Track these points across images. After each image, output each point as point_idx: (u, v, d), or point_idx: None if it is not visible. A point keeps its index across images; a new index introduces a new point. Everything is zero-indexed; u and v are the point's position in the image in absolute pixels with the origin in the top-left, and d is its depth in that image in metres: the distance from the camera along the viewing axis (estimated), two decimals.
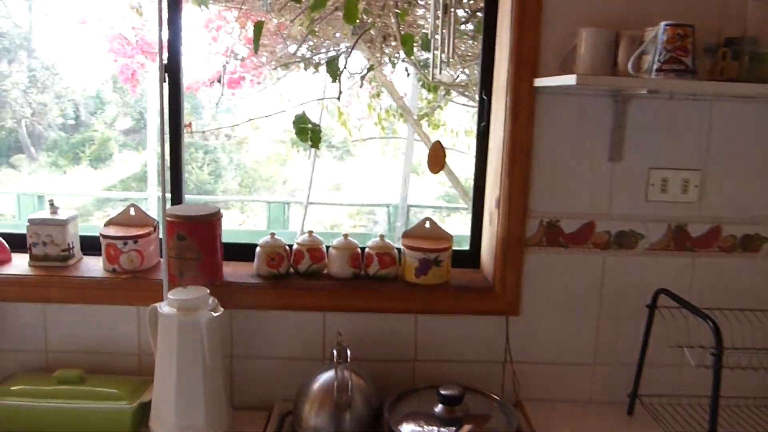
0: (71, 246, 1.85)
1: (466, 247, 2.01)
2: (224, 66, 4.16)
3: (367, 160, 17.56)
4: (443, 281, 1.81)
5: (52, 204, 1.85)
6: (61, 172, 17.73)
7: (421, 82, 3.99)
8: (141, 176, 17.20)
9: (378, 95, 5.09)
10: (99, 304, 1.79)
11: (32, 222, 1.81)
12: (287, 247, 1.85)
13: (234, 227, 9.62)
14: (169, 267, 1.72)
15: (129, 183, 16.88)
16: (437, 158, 1.78)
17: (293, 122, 2.15)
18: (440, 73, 1.82)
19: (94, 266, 1.85)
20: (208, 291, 1.64)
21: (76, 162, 17.98)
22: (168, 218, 1.70)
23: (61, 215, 1.84)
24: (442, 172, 1.98)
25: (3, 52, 19.49)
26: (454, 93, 4.43)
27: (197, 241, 1.70)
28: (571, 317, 1.81)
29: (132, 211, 1.90)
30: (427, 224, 1.89)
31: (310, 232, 1.88)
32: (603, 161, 1.73)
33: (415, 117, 4.55)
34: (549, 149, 1.72)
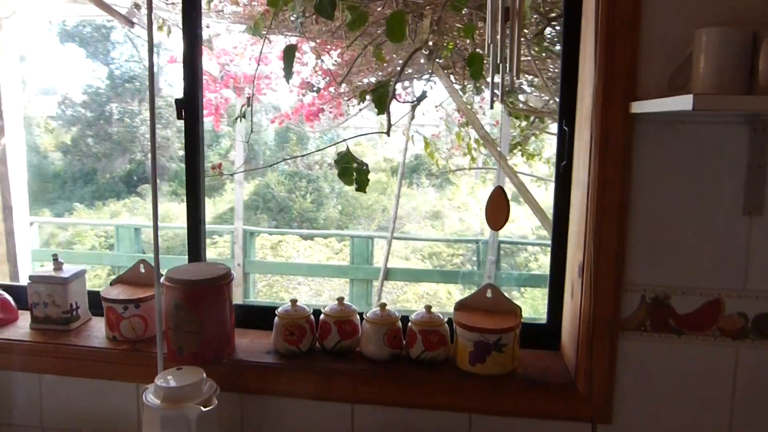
0: (74, 307, 1.56)
1: (544, 315, 1.54)
2: (301, 98, 3.91)
3: (467, 189, 17.04)
4: (507, 370, 1.35)
5: (56, 259, 1.58)
6: (179, 200, 18.61)
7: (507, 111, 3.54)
8: (250, 204, 17.70)
9: (467, 124, 4.66)
10: (96, 378, 1.48)
11: (33, 279, 1.55)
12: (311, 318, 1.46)
13: (318, 260, 9.47)
14: (167, 341, 1.39)
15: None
16: (497, 210, 1.34)
17: (335, 161, 1.78)
18: (501, 98, 1.37)
19: (100, 331, 1.55)
20: (204, 375, 1.28)
21: None
22: (165, 282, 1.36)
23: (65, 272, 1.56)
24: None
25: (135, 93, 20.95)
26: (549, 120, 3.93)
27: (198, 310, 1.36)
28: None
29: (142, 269, 1.59)
30: (489, 293, 1.44)
31: (341, 300, 1.48)
32: (734, 214, 1.21)
33: (503, 146, 4.07)
34: (653, 198, 1.23)
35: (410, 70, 4.41)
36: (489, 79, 1.40)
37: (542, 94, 3.54)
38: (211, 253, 11.25)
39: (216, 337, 1.39)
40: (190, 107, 1.59)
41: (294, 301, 1.47)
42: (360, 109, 4.75)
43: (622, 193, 1.22)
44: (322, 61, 3.86)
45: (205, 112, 4.78)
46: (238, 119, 1.67)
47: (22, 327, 1.57)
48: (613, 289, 1.24)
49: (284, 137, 18.65)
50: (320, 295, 9.56)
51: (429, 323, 1.39)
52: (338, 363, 1.41)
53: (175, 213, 17.71)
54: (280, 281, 9.43)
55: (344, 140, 1.79)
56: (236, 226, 5.45)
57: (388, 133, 1.79)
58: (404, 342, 1.43)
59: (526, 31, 3.03)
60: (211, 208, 16.00)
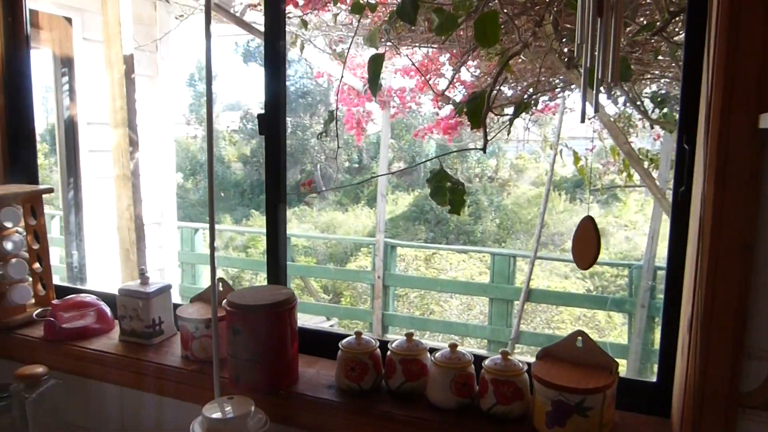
0: (157, 322, 1.59)
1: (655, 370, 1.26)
2: (437, 111, 3.80)
3: (635, 206, 15.76)
4: None
5: (142, 273, 1.61)
6: (343, 210, 19.45)
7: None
8: (408, 215, 17.94)
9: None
10: (166, 396, 1.48)
11: (121, 293, 1.60)
12: (377, 353, 1.32)
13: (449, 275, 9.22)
14: (228, 367, 1.34)
15: (397, 221, 17.74)
16: (585, 246, 1.10)
17: (427, 180, 1.64)
18: (596, 109, 1.14)
19: (180, 348, 1.56)
20: (252, 408, 1.21)
21: (356, 201, 19.56)
22: (225, 306, 1.32)
23: (150, 287, 1.59)
24: None
25: (307, 107, 22.33)
26: None
27: (255, 338, 1.29)
28: None
29: (220, 287, 1.57)
30: (579, 342, 1.20)
31: (410, 336, 1.33)
32: None
33: (663, 163, 3.60)
34: None
35: (556, 80, 4.10)
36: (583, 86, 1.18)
37: None
38: (352, 266, 11.54)
39: (274, 366, 1.32)
40: (271, 122, 1.55)
41: (359, 334, 1.34)
42: (505, 124, 4.51)
43: (745, 232, 0.93)
44: (459, 72, 3.72)
45: (346, 126, 4.86)
46: (322, 135, 1.59)
47: (113, 338, 1.62)
48: (730, 355, 0.95)
49: (445, 150, 18.69)
50: (471, 309, 9.35)
51: (503, 372, 1.19)
52: (400, 408, 1.26)
53: (339, 221, 18.53)
54: (432, 293, 9.37)
55: (437, 156, 1.64)
56: (377, 238, 5.47)
57: (484, 150, 1.60)
58: (476, 390, 1.25)
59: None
60: (370, 219, 16.49)
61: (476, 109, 1.53)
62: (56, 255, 3.73)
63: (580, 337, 1.20)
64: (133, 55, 2.75)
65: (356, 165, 21.73)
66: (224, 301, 1.32)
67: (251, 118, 21.70)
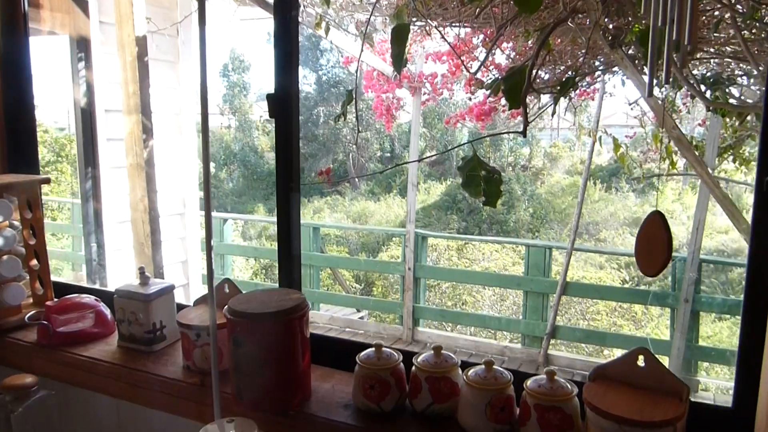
0: (158, 327, 1.42)
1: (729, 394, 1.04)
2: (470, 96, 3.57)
3: (672, 195, 15.22)
4: None
5: (142, 272, 1.45)
6: (375, 199, 19.29)
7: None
8: (440, 205, 17.68)
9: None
10: (164, 412, 1.32)
11: (119, 294, 1.44)
12: (400, 368, 1.13)
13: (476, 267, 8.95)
14: (231, 381, 1.16)
15: (430, 210, 17.52)
16: (652, 247, 0.88)
17: (459, 168, 1.43)
18: (667, 79, 0.92)
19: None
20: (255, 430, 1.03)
21: (389, 190, 19.40)
22: (225, 312, 1.14)
23: (150, 287, 1.43)
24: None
25: (339, 97, 22.20)
26: None
27: (259, 350, 1.11)
28: None
29: (226, 288, 1.40)
30: (641, 360, 0.99)
31: (437, 349, 1.13)
32: None
33: (709, 150, 3.32)
34: None
35: (597, 62, 3.83)
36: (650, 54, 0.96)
37: (761, 87, 2.78)
38: (384, 256, 11.36)
39: (281, 383, 1.14)
40: (282, 103, 1.36)
41: (379, 346, 1.15)
42: (540, 109, 4.26)
43: None
44: (493, 54, 3.48)
45: (375, 113, 4.66)
46: (340, 118, 1.40)
47: (111, 344, 1.47)
48: None
49: (477, 137, 18.36)
50: (504, 300, 9.09)
51: (549, 396, 0.99)
52: None
53: (370, 211, 18.38)
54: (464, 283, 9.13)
55: (470, 141, 1.43)
56: (408, 229, 5.27)
57: (524, 133, 1.39)
58: (516, 416, 1.05)
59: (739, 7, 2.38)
60: (402, 208, 16.28)
61: (515, 86, 1.32)
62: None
63: (641, 356, 0.99)
64: (146, 37, 2.60)
65: (388, 154, 21.55)
66: (225, 307, 1.15)
67: None
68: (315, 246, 5.83)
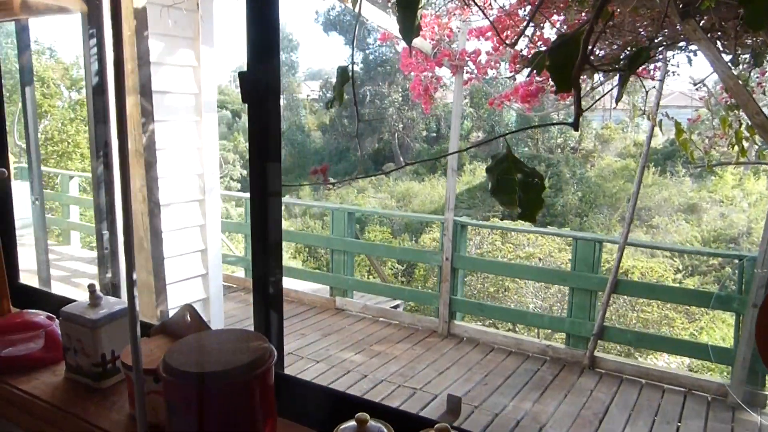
0: (108, 359, 1.14)
1: None
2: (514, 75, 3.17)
3: (732, 181, 14.29)
4: None
5: (92, 291, 1.17)
6: (420, 179, 18.91)
7: None
8: (485, 186, 17.21)
9: (736, 107, 3.45)
10: None
11: (63, 316, 1.16)
12: None
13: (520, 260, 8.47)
14: None
15: (474, 192, 17.02)
16: None
17: (488, 170, 1.08)
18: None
19: None
20: None
21: (433, 171, 18.98)
22: (159, 365, 0.84)
23: (101, 310, 1.14)
24: None
25: (386, 76, 21.77)
26: None
27: (198, 421, 0.81)
28: None
29: (188, 317, 1.10)
30: None
31: (361, 421, 0.80)
32: None
33: None
34: None
35: (660, 37, 3.36)
36: None
37: None
38: (426, 239, 10.97)
39: None
40: (256, 85, 1.04)
41: (362, 422, 0.83)
42: (592, 88, 3.82)
43: None
44: (541, 27, 3.06)
45: (413, 93, 4.29)
46: (331, 104, 1.07)
47: (59, 374, 1.20)
48: None
49: (526, 120, 17.72)
50: (549, 287, 8.63)
51: None
52: None
53: (415, 191, 18.02)
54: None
55: (503, 135, 1.08)
56: (446, 217, 4.91)
57: (575, 126, 1.03)
58: None
59: None
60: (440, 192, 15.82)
61: (564, 60, 0.95)
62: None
63: None
64: (146, 9, 2.32)
65: (434, 134, 21.06)
66: (137, 352, 0.85)
67: (330, 87, 21.38)
68: (349, 231, 5.54)
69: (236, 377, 0.81)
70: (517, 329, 6.79)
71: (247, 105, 1.07)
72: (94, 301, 1.16)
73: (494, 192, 1.12)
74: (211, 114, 3.18)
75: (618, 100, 1.08)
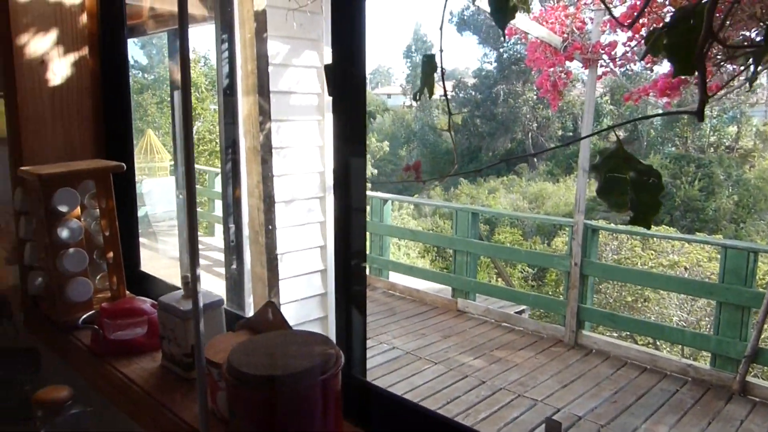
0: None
1: None
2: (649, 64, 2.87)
3: None
4: None
5: (186, 282, 1.19)
6: (554, 180, 18.16)
7: None
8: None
9: None
10: None
11: (160, 305, 1.20)
12: None
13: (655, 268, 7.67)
14: None
15: None
16: None
17: (594, 167, 0.95)
18: None
19: None
20: None
21: (569, 172, 18.13)
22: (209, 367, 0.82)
23: (192, 302, 1.16)
24: None
25: (520, 74, 21.16)
26: None
27: (257, 427, 0.78)
28: None
29: (270, 314, 1.08)
30: None
31: None
32: None
33: None
34: None
35: None
36: None
37: None
38: (559, 242, 10.43)
39: None
40: (343, 79, 0.99)
41: None
42: (733, 77, 3.38)
43: None
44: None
45: (540, 90, 4.08)
46: (418, 95, 0.99)
47: (157, 360, 1.24)
48: None
49: (673, 117, 16.33)
50: (696, 300, 7.84)
51: None
52: None
53: (548, 192, 17.35)
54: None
55: (611, 127, 0.91)
56: (576, 220, 4.62)
57: (699, 116, 0.86)
58: None
59: None
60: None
61: (685, 38, 0.80)
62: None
63: None
64: (266, 12, 2.38)
65: (570, 133, 20.10)
66: (202, 354, 0.83)
67: (463, 87, 21.20)
68: (473, 232, 5.40)
69: (294, 382, 0.77)
70: (656, 344, 6.25)
71: (331, 98, 1.03)
72: (189, 292, 1.19)
73: (601, 192, 0.98)
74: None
75: (752, 82, 0.89)
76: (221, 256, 7.14)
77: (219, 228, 8.01)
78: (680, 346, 5.81)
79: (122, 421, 1.22)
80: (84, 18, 1.63)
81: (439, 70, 0.99)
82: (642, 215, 0.93)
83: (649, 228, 0.97)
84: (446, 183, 19.33)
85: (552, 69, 3.91)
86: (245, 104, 2.39)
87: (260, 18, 2.36)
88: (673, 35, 0.85)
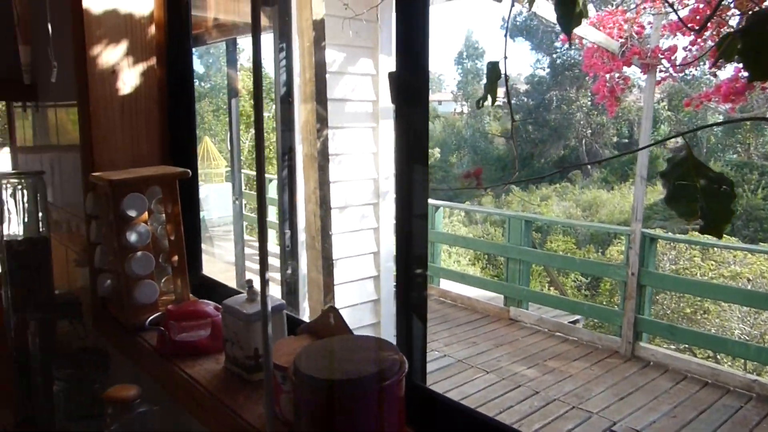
0: (260, 353, 1.18)
1: None
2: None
3: None
4: None
5: (250, 286, 1.22)
6: (608, 188, 17.69)
7: None
8: None
9: None
10: None
11: (224, 308, 1.23)
12: None
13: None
14: None
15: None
16: None
17: (662, 174, 0.92)
18: None
19: None
20: None
21: (624, 179, 17.64)
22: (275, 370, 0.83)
23: (256, 306, 1.18)
24: None
25: (574, 80, 20.75)
26: None
27: (321, 428, 0.78)
28: None
29: (331, 319, 1.09)
30: None
31: None
32: None
33: None
34: None
35: None
36: None
37: None
38: (614, 251, 10.12)
39: None
40: (407, 86, 0.99)
41: None
42: None
43: None
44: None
45: (596, 96, 3.99)
46: (481, 102, 0.99)
47: (220, 362, 1.27)
48: None
49: (735, 123, 15.66)
50: (760, 313, 7.48)
51: None
52: None
53: (602, 200, 16.92)
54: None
55: (679, 134, 0.91)
56: (633, 228, 4.48)
57: None
58: None
59: None
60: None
61: (761, 41, 0.77)
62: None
63: None
64: (324, 21, 2.41)
65: (626, 140, 19.56)
66: (269, 357, 0.84)
67: (516, 93, 20.94)
68: (526, 240, 5.32)
69: (359, 387, 0.77)
70: (716, 358, 5.98)
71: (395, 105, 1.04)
72: (252, 296, 1.21)
73: (669, 200, 0.94)
74: (388, 121, 3.24)
75: None
76: (273, 261, 7.29)
77: (271, 233, 8.15)
78: (743, 361, 5.54)
79: (187, 420, 1.26)
80: (152, 29, 1.68)
81: (502, 76, 0.99)
82: (713, 224, 0.89)
83: (720, 237, 0.94)
84: (497, 190, 19.13)
85: (609, 74, 3.82)
86: (303, 112, 2.44)
87: (318, 27, 2.40)
88: (749, 39, 0.81)
